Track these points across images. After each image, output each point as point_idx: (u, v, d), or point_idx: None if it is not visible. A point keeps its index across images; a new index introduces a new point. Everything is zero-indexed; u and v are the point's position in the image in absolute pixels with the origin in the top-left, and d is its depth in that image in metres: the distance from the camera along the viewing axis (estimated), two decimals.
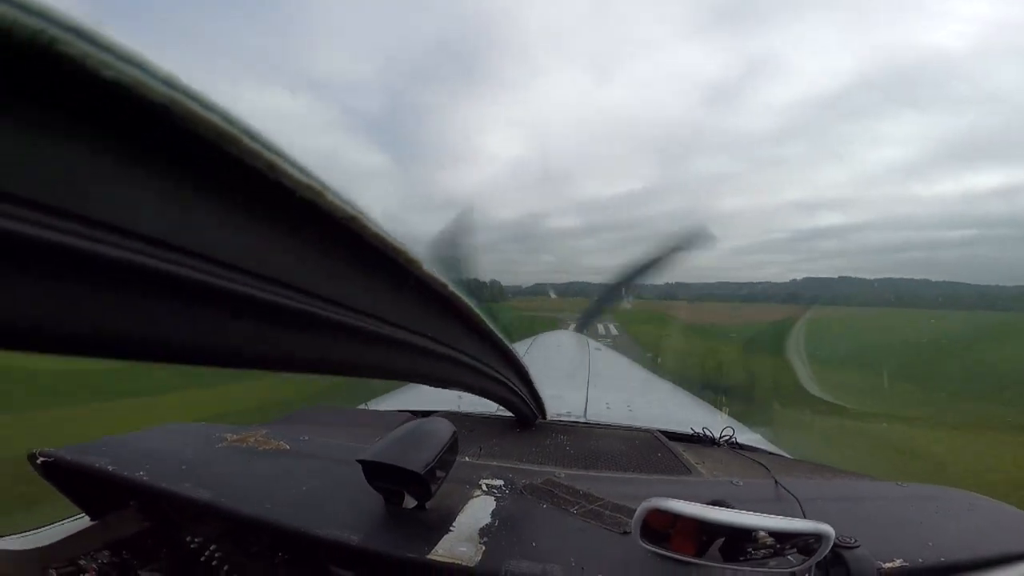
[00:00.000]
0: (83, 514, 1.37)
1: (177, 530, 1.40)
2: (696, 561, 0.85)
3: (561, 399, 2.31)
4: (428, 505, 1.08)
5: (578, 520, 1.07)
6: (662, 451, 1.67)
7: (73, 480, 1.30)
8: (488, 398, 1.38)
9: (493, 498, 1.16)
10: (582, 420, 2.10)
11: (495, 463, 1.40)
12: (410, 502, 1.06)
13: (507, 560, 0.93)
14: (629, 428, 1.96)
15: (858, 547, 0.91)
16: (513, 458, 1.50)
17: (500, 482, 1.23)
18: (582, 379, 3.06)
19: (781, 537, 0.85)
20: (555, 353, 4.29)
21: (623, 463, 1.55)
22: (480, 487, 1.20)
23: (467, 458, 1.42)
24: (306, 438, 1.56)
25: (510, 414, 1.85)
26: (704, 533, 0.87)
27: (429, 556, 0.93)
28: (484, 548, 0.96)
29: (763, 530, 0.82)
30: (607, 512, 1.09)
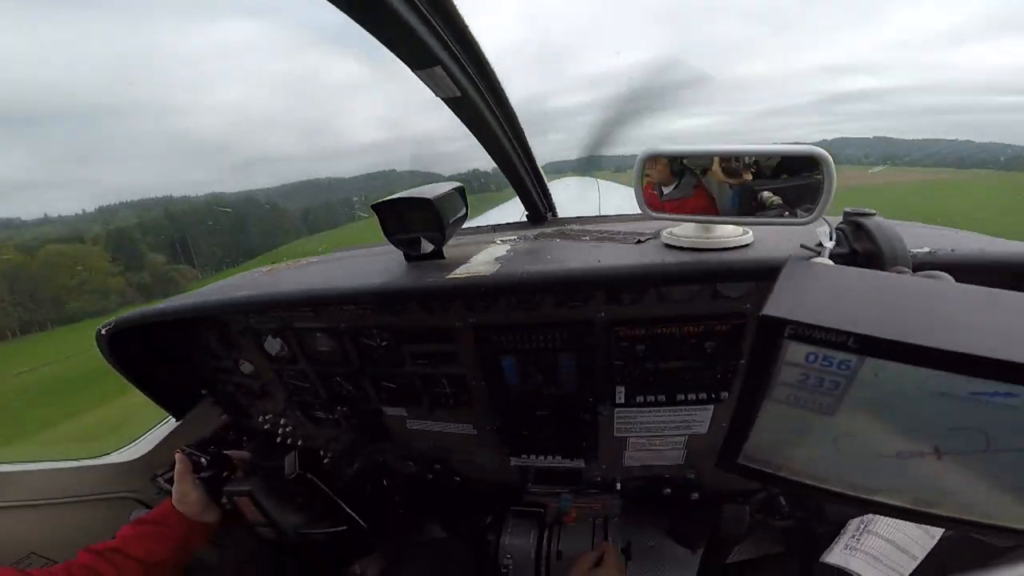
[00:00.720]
0: (168, 417, 1.53)
1: (248, 416, 1.56)
2: (711, 219, 0.87)
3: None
4: (446, 254, 1.12)
5: (591, 242, 1.11)
6: None
7: (143, 367, 1.40)
8: (504, 170, 1.36)
9: (508, 244, 1.20)
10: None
11: (509, 233, 1.44)
12: (427, 247, 1.10)
13: (524, 268, 0.98)
14: None
15: (875, 215, 0.88)
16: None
17: (514, 236, 1.28)
18: (593, 205, 3.04)
19: (789, 198, 0.85)
20: (560, 189, 4.22)
21: None
22: (495, 241, 1.25)
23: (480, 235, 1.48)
24: (335, 255, 1.65)
25: (520, 219, 1.87)
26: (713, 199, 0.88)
27: (447, 277, 0.99)
28: (500, 266, 1.01)
29: (750, 155, 0.82)
30: (620, 235, 1.12)
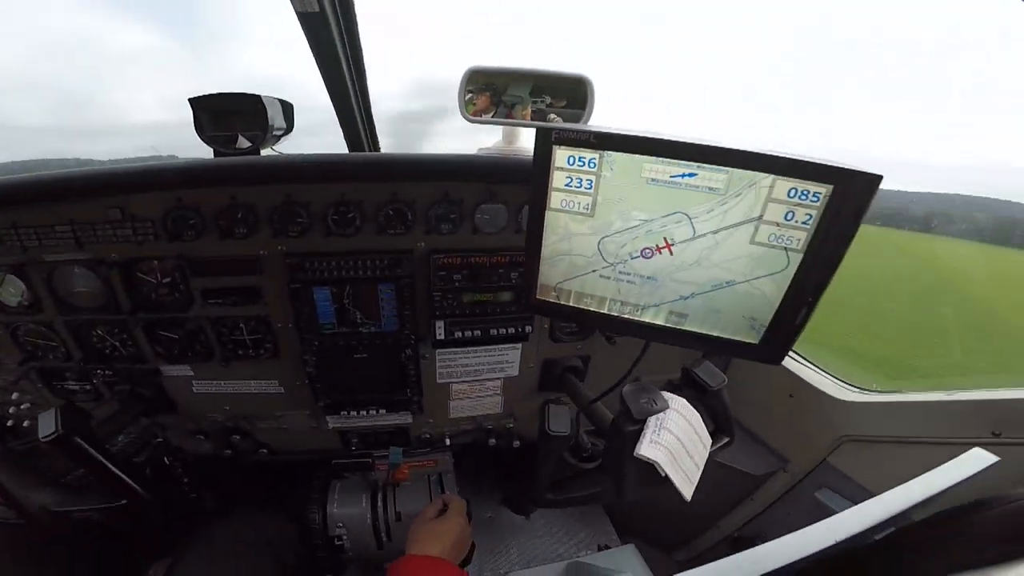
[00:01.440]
0: None
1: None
2: (509, 121, 1.08)
3: None
4: (263, 151, 1.10)
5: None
6: None
7: None
8: (334, 97, 1.40)
9: None
10: None
11: None
12: (243, 143, 1.06)
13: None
14: None
15: None
16: None
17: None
18: None
19: (566, 118, 1.10)
20: None
21: None
22: None
23: None
24: None
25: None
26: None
27: (263, 153, 0.99)
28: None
29: (540, 73, 1.06)
30: None
